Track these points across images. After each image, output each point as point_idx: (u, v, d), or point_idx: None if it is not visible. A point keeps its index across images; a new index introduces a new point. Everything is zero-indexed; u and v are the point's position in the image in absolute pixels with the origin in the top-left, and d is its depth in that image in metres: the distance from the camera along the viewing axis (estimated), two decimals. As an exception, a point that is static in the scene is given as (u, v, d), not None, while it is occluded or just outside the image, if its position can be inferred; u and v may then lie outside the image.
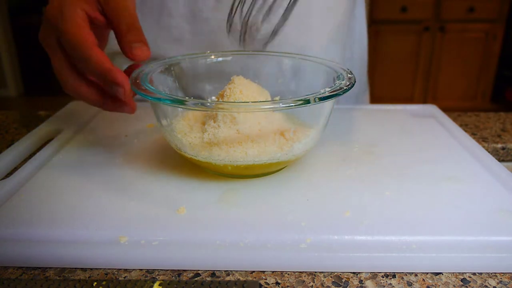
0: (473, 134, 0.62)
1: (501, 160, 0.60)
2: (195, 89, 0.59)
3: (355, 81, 0.41)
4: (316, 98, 0.36)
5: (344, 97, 0.69)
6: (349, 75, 0.42)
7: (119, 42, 0.41)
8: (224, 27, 0.61)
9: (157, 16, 0.62)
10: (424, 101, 2.78)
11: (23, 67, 3.53)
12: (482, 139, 0.60)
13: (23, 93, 3.53)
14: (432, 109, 0.64)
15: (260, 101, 0.43)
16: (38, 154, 0.47)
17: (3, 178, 0.43)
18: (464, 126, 0.65)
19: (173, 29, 0.62)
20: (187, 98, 0.37)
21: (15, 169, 0.47)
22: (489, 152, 0.53)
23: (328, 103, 0.42)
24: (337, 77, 0.43)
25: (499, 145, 0.59)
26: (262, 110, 0.41)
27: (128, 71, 0.43)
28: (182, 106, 0.37)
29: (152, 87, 0.39)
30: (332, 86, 0.39)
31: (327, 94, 0.37)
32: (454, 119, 0.66)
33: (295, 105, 0.36)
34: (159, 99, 0.37)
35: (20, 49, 3.52)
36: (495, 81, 2.78)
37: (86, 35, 0.39)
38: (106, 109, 0.43)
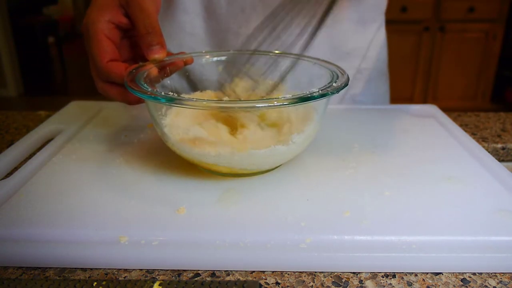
0: (473, 134, 0.62)
1: (501, 160, 0.60)
2: (196, 88, 0.59)
3: (348, 81, 0.41)
4: (308, 97, 0.37)
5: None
6: (343, 75, 0.42)
7: (139, 42, 0.45)
8: (233, 30, 0.62)
9: (173, 11, 0.63)
10: (424, 101, 2.78)
11: (23, 67, 3.53)
12: (482, 139, 0.60)
13: (23, 93, 3.53)
14: (432, 109, 0.64)
15: (253, 100, 0.43)
16: (38, 154, 0.47)
17: (3, 178, 0.43)
18: (464, 126, 0.65)
19: (187, 24, 0.64)
20: (175, 96, 0.37)
21: (15, 169, 0.47)
22: (489, 152, 0.53)
23: (321, 103, 0.42)
24: (332, 77, 0.43)
25: (499, 145, 0.59)
26: (256, 108, 0.41)
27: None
28: (169, 104, 0.37)
29: (146, 86, 0.39)
30: (325, 86, 0.40)
31: (319, 93, 0.38)
32: (454, 119, 0.66)
33: (288, 103, 0.36)
34: (153, 97, 0.37)
35: (20, 49, 3.52)
36: (495, 81, 2.78)
37: (104, 52, 0.43)
38: (130, 104, 0.47)
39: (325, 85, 0.40)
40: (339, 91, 0.39)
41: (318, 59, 0.48)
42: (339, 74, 0.43)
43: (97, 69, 0.45)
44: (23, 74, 3.54)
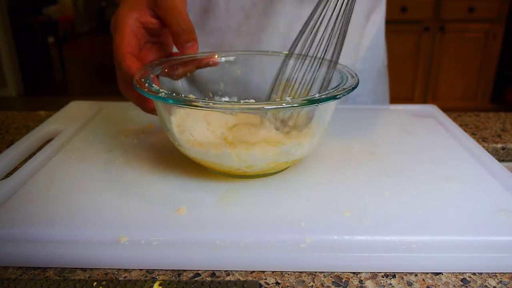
0: (473, 134, 0.62)
1: (501, 160, 0.60)
2: (202, 89, 0.59)
3: (358, 83, 0.41)
4: (317, 99, 0.36)
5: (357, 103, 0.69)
6: (352, 77, 0.42)
7: (174, 41, 0.45)
8: (233, 28, 0.61)
9: None
10: (424, 101, 2.78)
11: (23, 67, 3.53)
12: (482, 139, 0.60)
13: (23, 93, 3.53)
14: (432, 109, 0.64)
15: (262, 102, 0.42)
16: (38, 154, 0.47)
17: (3, 178, 0.43)
18: (464, 126, 0.65)
19: None
20: (188, 97, 0.37)
21: (15, 169, 0.47)
22: (489, 152, 0.53)
23: (329, 105, 0.42)
24: (341, 78, 0.43)
25: (499, 145, 0.59)
26: (265, 110, 0.41)
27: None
28: (182, 105, 0.37)
29: (155, 86, 0.39)
30: (334, 88, 0.39)
31: (329, 95, 0.37)
32: (454, 119, 0.66)
33: (298, 105, 0.36)
34: (163, 98, 0.37)
35: (20, 49, 3.52)
36: (495, 81, 2.78)
37: (124, 43, 0.44)
38: (144, 110, 0.47)
39: (335, 87, 0.40)
40: (347, 94, 0.38)
41: (328, 60, 0.48)
42: (349, 76, 0.43)
43: (116, 60, 0.45)
44: (23, 74, 3.54)
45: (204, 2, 0.62)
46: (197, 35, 0.64)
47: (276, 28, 0.62)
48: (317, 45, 0.44)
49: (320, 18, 0.43)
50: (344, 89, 0.39)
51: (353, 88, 0.39)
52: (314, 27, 0.43)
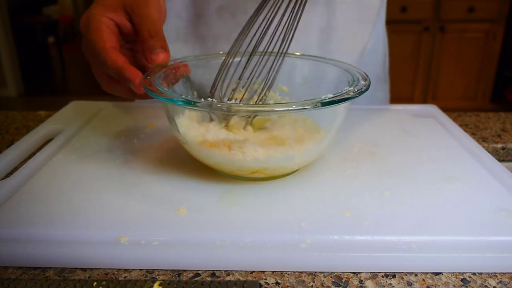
0: (473, 134, 0.62)
1: (501, 160, 0.60)
2: (203, 90, 0.59)
3: (369, 85, 0.40)
4: (328, 102, 0.36)
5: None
6: (364, 79, 0.42)
7: (142, 47, 0.44)
8: (225, 34, 0.62)
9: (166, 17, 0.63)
10: (424, 101, 2.78)
11: (23, 67, 3.53)
12: (482, 139, 0.60)
13: (23, 93, 3.53)
14: (432, 109, 0.64)
15: (270, 104, 0.43)
16: (38, 154, 0.47)
17: (3, 178, 0.43)
18: (464, 126, 0.65)
19: (180, 30, 0.64)
20: (197, 99, 0.37)
21: (15, 169, 0.47)
22: (489, 152, 0.53)
23: (336, 109, 0.41)
24: (352, 80, 0.42)
25: (499, 145, 0.59)
26: (274, 112, 0.41)
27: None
28: (191, 107, 0.37)
29: (165, 88, 0.39)
30: (341, 91, 0.39)
31: (343, 97, 0.37)
32: (454, 119, 0.66)
33: (310, 108, 0.35)
34: (172, 99, 0.37)
35: (20, 49, 3.52)
36: (495, 81, 2.78)
37: (105, 39, 0.42)
38: (138, 98, 0.46)
39: (345, 89, 0.39)
40: (361, 95, 0.38)
41: (336, 60, 0.48)
42: (359, 77, 0.42)
43: (97, 57, 0.43)
44: (23, 74, 3.54)
45: (197, 9, 0.62)
46: (190, 41, 0.64)
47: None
48: (269, 40, 0.45)
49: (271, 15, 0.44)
50: (355, 91, 0.39)
51: (365, 90, 0.39)
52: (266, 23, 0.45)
